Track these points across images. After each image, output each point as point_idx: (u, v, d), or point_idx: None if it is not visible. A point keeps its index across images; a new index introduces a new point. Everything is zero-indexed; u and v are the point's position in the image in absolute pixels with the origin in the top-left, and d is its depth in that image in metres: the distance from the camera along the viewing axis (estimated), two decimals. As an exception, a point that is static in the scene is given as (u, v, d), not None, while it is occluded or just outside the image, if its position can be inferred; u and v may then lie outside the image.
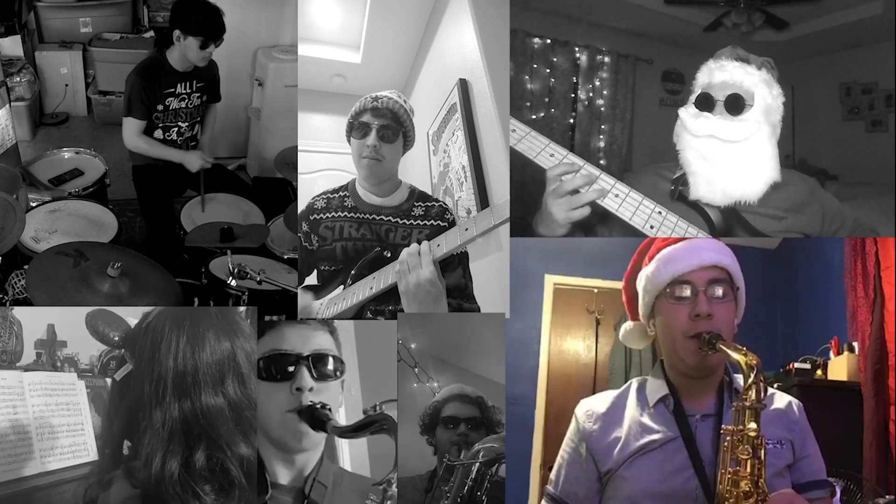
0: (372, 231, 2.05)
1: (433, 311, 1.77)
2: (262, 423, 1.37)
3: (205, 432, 1.28)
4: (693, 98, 1.93)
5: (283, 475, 1.38)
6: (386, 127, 2.04)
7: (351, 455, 2.15)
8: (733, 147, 1.86)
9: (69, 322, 2.17)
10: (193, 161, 3.29)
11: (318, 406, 1.35)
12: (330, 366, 1.40)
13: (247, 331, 1.40)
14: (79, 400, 1.94)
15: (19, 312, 2.13)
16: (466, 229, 1.72)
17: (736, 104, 1.86)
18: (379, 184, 2.08)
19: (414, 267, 1.73)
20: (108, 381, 2.07)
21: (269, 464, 1.37)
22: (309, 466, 1.40)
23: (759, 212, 1.94)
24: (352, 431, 1.33)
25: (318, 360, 1.39)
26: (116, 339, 1.90)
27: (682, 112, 1.93)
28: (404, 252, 1.77)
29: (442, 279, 1.77)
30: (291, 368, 1.37)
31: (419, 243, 1.78)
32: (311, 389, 1.36)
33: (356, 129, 2.06)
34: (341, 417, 1.52)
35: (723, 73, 1.89)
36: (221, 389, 1.32)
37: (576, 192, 1.77)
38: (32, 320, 2.14)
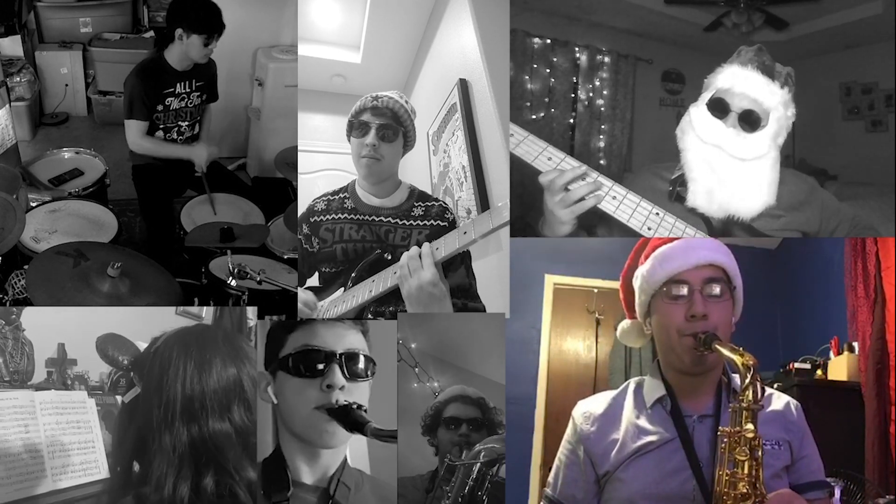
0: (372, 232, 2.05)
1: (438, 311, 1.77)
2: (288, 418, 1.36)
3: (213, 457, 1.29)
4: (706, 97, 1.87)
5: (307, 474, 1.37)
6: (385, 126, 2.03)
7: (351, 455, 2.15)
8: (739, 164, 1.83)
9: (79, 340, 2.19)
10: (201, 153, 3.29)
11: (355, 406, 1.33)
12: (361, 365, 1.38)
13: (253, 357, 1.40)
14: (89, 418, 1.94)
15: (30, 332, 2.14)
16: (465, 233, 1.72)
17: (750, 120, 1.82)
18: (378, 183, 2.08)
19: (415, 270, 1.73)
20: (119, 398, 2.08)
21: (291, 461, 1.36)
22: (333, 466, 1.39)
23: None
24: (389, 436, 1.32)
25: (350, 358, 1.37)
26: (125, 362, 1.94)
27: (693, 110, 1.89)
28: (404, 256, 1.77)
29: (444, 280, 1.76)
30: (321, 366, 1.35)
31: (419, 245, 1.77)
32: (342, 388, 1.34)
33: (356, 127, 2.06)
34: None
35: (747, 83, 1.83)
36: (228, 415, 1.33)
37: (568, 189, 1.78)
38: (43, 339, 2.16)
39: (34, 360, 2.13)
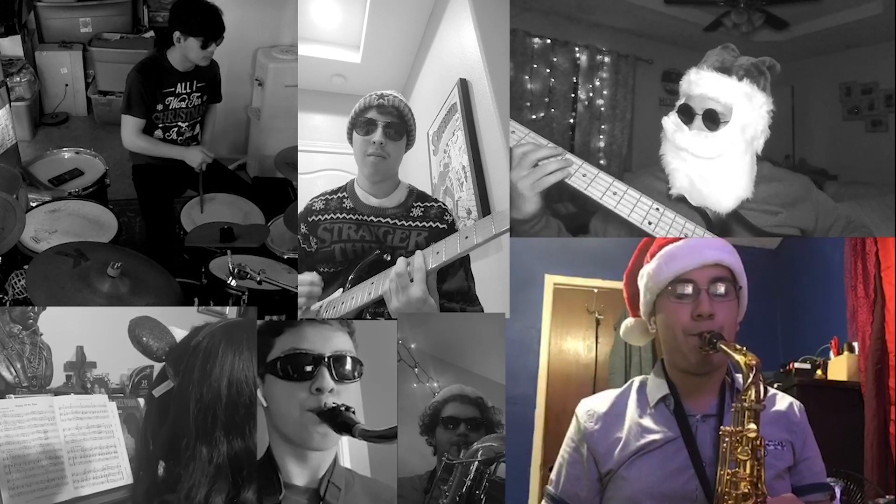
0: (371, 233, 2.04)
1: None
2: (279, 422, 1.35)
3: (257, 470, 1.22)
4: (676, 106, 1.96)
5: (298, 476, 1.36)
6: (391, 125, 2.03)
7: (351, 455, 2.15)
8: (706, 162, 1.90)
9: (98, 342, 2.16)
10: (195, 156, 3.28)
11: (343, 409, 1.32)
12: (349, 367, 1.37)
13: None
14: (110, 422, 1.92)
15: (48, 336, 2.12)
16: (467, 237, 1.69)
17: (712, 119, 1.89)
18: (380, 182, 2.07)
19: (403, 287, 1.70)
20: (140, 401, 2.06)
21: (282, 464, 1.35)
22: (323, 467, 1.38)
23: (754, 207, 1.97)
24: (378, 437, 1.31)
25: (338, 361, 1.36)
26: (160, 352, 1.84)
27: (664, 121, 1.98)
28: (393, 270, 1.72)
29: (436, 293, 1.73)
30: (310, 368, 1.34)
31: (410, 255, 1.74)
32: (331, 391, 1.33)
33: (360, 125, 2.04)
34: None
35: (700, 86, 1.90)
36: None
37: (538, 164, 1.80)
38: (61, 343, 2.13)
39: (52, 365, 2.11)
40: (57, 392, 1.99)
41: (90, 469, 1.80)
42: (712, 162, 1.90)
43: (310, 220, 2.11)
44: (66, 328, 2.18)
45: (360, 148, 2.06)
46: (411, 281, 1.70)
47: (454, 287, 1.98)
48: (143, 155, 3.35)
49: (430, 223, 2.05)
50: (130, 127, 3.24)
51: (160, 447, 1.26)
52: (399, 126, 2.05)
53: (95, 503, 1.77)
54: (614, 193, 1.83)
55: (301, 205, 2.21)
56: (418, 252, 1.73)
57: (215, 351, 1.25)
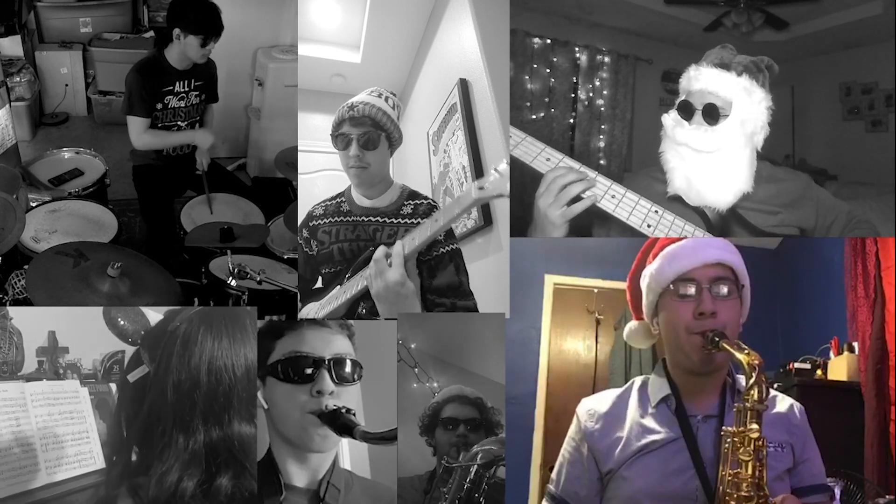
0: (365, 232, 2.08)
1: (406, 311, 1.78)
2: (279, 424, 1.36)
3: (235, 459, 1.20)
4: (676, 104, 1.96)
5: (298, 477, 1.37)
6: (366, 134, 2.03)
7: (351, 456, 2.15)
8: (706, 157, 1.90)
9: (70, 327, 2.15)
10: (205, 138, 3.33)
11: (344, 410, 1.33)
12: (349, 369, 1.38)
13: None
14: (83, 407, 1.91)
15: (19, 321, 2.10)
16: (436, 220, 1.75)
17: (712, 113, 1.89)
18: (370, 187, 2.10)
19: (382, 271, 1.74)
20: (112, 386, 2.04)
21: (282, 465, 1.36)
22: (323, 469, 1.39)
23: (753, 207, 1.96)
24: (378, 439, 1.31)
25: (338, 363, 1.37)
26: (135, 335, 1.80)
27: (664, 118, 1.99)
28: (373, 257, 1.78)
29: (416, 278, 1.77)
30: (310, 371, 1.35)
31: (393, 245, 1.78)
32: (331, 393, 1.34)
33: (338, 140, 2.07)
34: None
35: (700, 81, 1.91)
36: (255, 412, 1.24)
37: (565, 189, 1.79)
38: (33, 328, 2.11)
39: (24, 350, 2.09)
40: (29, 378, 1.97)
41: (63, 455, 1.79)
42: (711, 156, 1.90)
43: (311, 224, 2.15)
44: (36, 313, 2.16)
45: (342, 161, 2.09)
46: (389, 266, 1.74)
47: (444, 282, 1.99)
48: (144, 155, 3.35)
49: (419, 220, 2.06)
50: (137, 127, 3.24)
51: (135, 434, 1.23)
52: (374, 134, 2.04)
53: (69, 488, 1.76)
54: (613, 197, 1.82)
55: (301, 204, 2.23)
56: (398, 241, 1.78)
57: (194, 337, 1.22)
